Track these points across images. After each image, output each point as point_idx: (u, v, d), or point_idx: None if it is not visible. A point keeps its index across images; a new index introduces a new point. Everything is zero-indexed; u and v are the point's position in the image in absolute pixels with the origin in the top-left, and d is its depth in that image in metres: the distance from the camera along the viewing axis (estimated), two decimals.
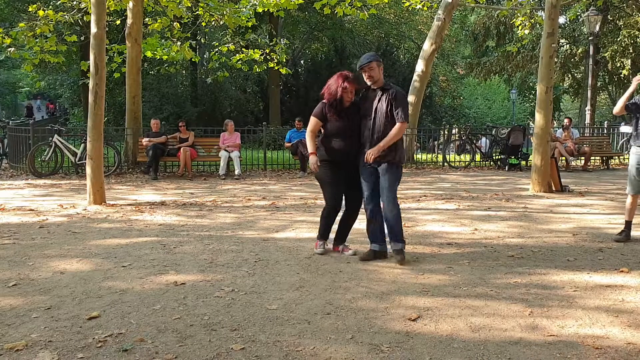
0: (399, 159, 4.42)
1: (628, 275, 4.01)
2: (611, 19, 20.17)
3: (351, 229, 4.72)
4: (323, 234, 4.67)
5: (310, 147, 4.52)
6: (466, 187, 9.36)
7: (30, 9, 11.47)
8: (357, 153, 4.45)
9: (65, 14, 11.33)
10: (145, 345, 2.73)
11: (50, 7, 11.10)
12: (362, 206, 4.59)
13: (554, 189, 8.57)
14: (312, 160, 4.47)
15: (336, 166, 4.46)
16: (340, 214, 4.65)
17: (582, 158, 12.73)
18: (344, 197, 4.59)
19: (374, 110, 4.37)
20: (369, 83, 4.44)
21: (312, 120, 4.51)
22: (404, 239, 4.42)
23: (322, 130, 4.58)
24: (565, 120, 13.60)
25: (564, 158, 12.56)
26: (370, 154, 4.26)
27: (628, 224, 5.18)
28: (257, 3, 11.99)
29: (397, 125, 4.30)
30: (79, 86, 23.01)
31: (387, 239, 4.51)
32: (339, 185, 4.50)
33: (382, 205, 4.44)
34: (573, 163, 12.98)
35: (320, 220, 4.66)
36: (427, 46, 13.39)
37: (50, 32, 10.96)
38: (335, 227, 4.67)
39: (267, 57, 13.81)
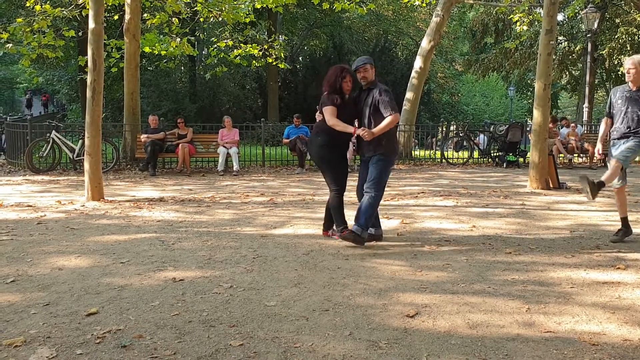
0: (389, 152, 4.62)
1: (625, 272, 4.02)
2: (609, 16, 20.19)
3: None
4: (341, 222, 4.79)
5: (348, 129, 4.55)
6: (464, 183, 9.37)
7: (27, 4, 11.43)
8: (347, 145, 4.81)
9: (63, 9, 11.30)
10: (144, 342, 2.74)
11: (47, 2, 11.05)
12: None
13: (551, 186, 8.59)
14: (358, 131, 4.48)
15: (338, 150, 4.70)
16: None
17: (584, 155, 12.75)
18: None
19: (366, 107, 4.67)
20: (362, 83, 4.72)
21: (329, 109, 4.59)
22: (365, 227, 4.55)
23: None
24: (564, 122, 13.61)
25: (562, 155, 12.59)
26: (364, 132, 4.44)
27: (623, 221, 5.06)
28: None
29: (388, 118, 4.49)
30: (76, 82, 22.96)
31: (372, 227, 4.74)
32: (343, 168, 4.75)
33: (365, 192, 4.65)
34: (576, 160, 13.00)
35: (332, 213, 4.80)
36: (425, 43, 13.38)
37: (48, 27, 10.93)
38: (322, 214, 4.99)
39: (266, 52, 13.80)
